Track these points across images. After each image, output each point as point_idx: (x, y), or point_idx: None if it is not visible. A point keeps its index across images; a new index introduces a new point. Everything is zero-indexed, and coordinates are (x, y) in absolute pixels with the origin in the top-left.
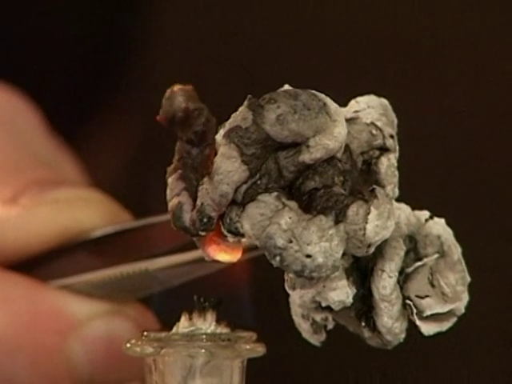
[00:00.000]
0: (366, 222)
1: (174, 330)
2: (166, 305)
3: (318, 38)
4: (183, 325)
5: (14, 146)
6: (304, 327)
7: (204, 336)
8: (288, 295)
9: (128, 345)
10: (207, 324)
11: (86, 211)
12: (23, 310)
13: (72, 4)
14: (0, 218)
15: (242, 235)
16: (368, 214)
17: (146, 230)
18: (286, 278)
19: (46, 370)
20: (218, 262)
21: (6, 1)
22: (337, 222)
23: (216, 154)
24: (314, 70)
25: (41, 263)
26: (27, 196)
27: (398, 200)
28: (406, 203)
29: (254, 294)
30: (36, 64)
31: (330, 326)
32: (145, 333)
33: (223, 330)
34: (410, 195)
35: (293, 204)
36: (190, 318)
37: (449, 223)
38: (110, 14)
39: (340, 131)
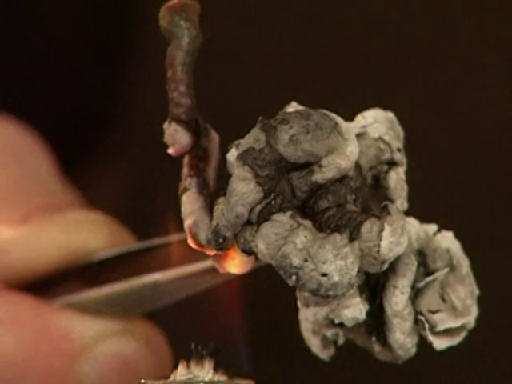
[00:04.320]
0: (380, 239)
1: (172, 377)
2: (174, 322)
3: (322, 52)
4: (181, 373)
5: (23, 175)
6: (314, 343)
7: None
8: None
9: None
10: (205, 372)
11: (93, 233)
12: (31, 332)
13: (76, 32)
14: (8, 239)
15: (256, 254)
16: (382, 230)
17: (150, 252)
18: (298, 295)
19: None
20: (229, 273)
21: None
22: (351, 239)
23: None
24: (317, 84)
25: (48, 284)
26: (35, 218)
27: (406, 213)
28: (413, 216)
29: (250, 341)
30: (36, 94)
31: (341, 341)
32: (142, 380)
33: (221, 377)
34: (416, 208)
35: (307, 223)
36: (188, 366)
37: (457, 235)
38: (109, 34)
39: (352, 150)
